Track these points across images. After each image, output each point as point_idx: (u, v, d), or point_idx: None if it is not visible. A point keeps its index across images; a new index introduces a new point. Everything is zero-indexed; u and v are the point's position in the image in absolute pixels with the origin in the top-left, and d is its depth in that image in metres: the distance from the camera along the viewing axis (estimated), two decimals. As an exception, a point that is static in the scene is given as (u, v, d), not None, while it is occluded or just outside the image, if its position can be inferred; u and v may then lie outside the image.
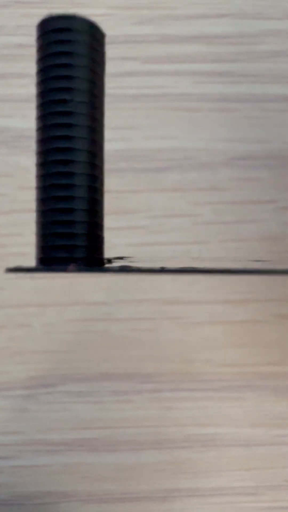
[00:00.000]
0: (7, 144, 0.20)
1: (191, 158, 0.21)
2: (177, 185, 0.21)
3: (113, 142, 0.21)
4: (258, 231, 0.20)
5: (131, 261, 0.13)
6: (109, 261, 0.14)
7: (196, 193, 0.20)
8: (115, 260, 0.14)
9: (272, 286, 0.20)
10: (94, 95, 0.12)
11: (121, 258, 0.14)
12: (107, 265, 0.13)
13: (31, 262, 0.20)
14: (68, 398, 0.20)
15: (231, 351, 0.20)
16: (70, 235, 0.12)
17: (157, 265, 0.13)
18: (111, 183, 0.20)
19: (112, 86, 0.21)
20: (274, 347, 0.20)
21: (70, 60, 0.11)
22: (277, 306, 0.20)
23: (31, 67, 0.21)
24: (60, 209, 0.12)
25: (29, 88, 0.21)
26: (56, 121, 0.12)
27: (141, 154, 0.21)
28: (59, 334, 0.20)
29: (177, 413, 0.20)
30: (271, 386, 0.20)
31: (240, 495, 0.20)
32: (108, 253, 0.20)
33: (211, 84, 0.21)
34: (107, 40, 0.21)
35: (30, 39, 0.21)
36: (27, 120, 0.20)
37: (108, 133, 0.21)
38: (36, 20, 0.21)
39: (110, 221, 0.21)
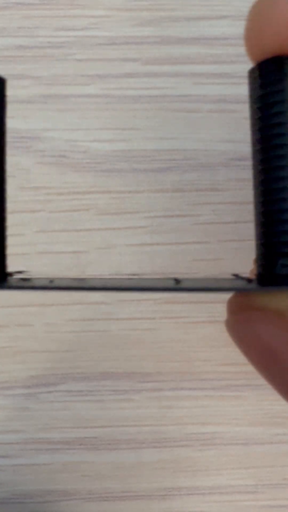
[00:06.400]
0: (8, 145, 0.21)
1: (190, 158, 0.21)
2: (177, 185, 0.21)
3: (113, 143, 0.21)
4: (258, 231, 0.21)
5: (29, 275, 0.13)
6: (11, 274, 0.13)
7: (196, 194, 0.21)
8: (16, 274, 0.14)
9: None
10: None
11: (21, 272, 0.14)
12: (9, 279, 0.13)
13: (32, 262, 0.20)
14: (69, 397, 0.20)
15: (231, 350, 0.20)
16: None
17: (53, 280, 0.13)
18: (111, 183, 0.21)
19: (112, 87, 0.21)
20: (273, 347, 0.20)
21: None
22: (276, 306, 0.20)
23: (31, 68, 0.21)
24: None
25: (29, 89, 0.21)
26: None
27: (141, 154, 0.21)
28: (60, 334, 0.20)
29: (177, 412, 0.20)
30: (271, 385, 0.20)
31: (239, 493, 0.20)
32: (108, 253, 0.20)
33: (210, 85, 0.21)
34: (107, 41, 0.21)
35: (30, 41, 0.21)
36: (27, 121, 0.21)
37: (109, 134, 0.21)
38: (37, 22, 0.21)
39: (110, 221, 0.21)
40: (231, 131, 0.21)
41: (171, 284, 0.12)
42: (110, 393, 0.20)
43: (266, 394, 0.20)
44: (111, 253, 0.20)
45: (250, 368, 0.21)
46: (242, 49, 0.21)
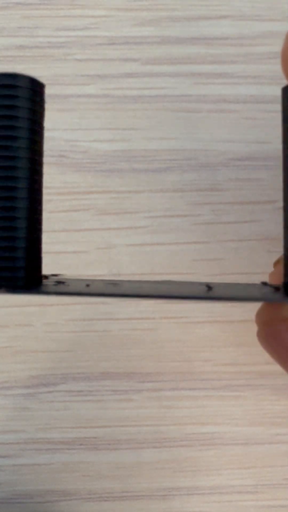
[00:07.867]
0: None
1: (190, 158, 0.21)
2: (177, 185, 0.21)
3: (113, 143, 0.21)
4: (258, 231, 0.21)
5: (64, 278, 0.13)
6: (46, 277, 0.13)
7: (195, 194, 0.21)
8: (51, 277, 0.14)
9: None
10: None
11: (56, 275, 0.14)
12: (44, 283, 0.13)
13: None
14: (69, 397, 0.20)
15: (231, 350, 0.20)
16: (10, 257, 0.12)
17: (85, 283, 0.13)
18: (111, 183, 0.21)
19: (112, 87, 0.21)
20: (273, 347, 0.20)
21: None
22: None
23: (31, 68, 0.21)
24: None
25: (29, 89, 0.21)
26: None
27: (141, 154, 0.21)
28: (60, 334, 0.20)
29: (177, 412, 0.20)
30: (271, 385, 0.20)
31: (239, 493, 0.20)
32: (108, 253, 0.20)
33: (210, 85, 0.21)
34: (107, 41, 0.21)
35: (30, 41, 0.21)
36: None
37: (109, 134, 0.21)
38: (37, 22, 0.21)
39: (110, 221, 0.21)
40: (231, 131, 0.21)
41: (203, 290, 0.12)
42: (110, 393, 0.20)
43: (266, 394, 0.20)
44: (111, 253, 0.20)
45: (250, 368, 0.21)
46: (242, 49, 0.21)
